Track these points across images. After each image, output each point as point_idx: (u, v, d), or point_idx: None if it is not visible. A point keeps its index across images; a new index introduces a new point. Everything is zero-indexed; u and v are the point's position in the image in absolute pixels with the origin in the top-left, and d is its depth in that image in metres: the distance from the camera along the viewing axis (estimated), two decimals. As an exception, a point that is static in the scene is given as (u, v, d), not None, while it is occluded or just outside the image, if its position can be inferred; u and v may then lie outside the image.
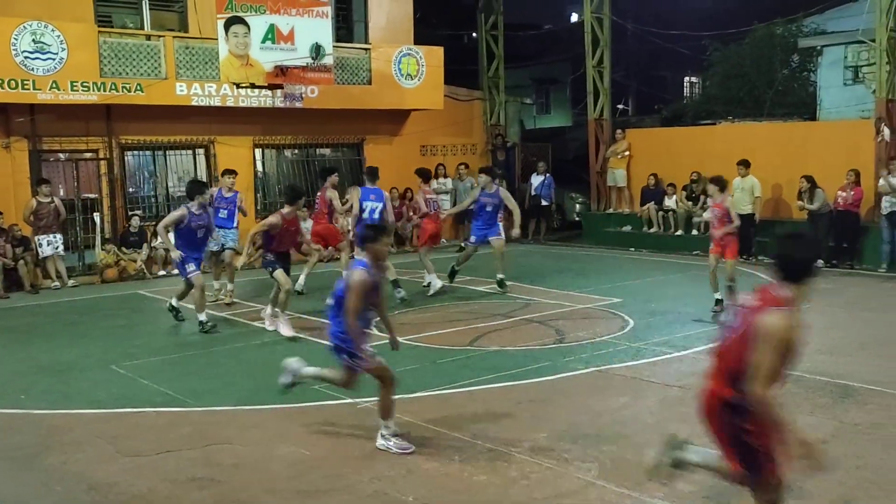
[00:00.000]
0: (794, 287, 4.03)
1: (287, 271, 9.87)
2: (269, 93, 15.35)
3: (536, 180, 19.22)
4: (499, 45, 20.33)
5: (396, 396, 5.98)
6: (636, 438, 6.06)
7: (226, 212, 12.08)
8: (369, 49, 17.35)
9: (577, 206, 20.73)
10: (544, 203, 19.30)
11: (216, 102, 15.24)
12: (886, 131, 14.03)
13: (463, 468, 5.57)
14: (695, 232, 16.56)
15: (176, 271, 11.28)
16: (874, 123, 14.29)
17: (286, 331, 9.57)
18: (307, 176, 17.97)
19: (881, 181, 13.50)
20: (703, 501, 4.93)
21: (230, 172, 12.70)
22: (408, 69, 17.57)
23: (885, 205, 13.30)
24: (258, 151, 17.13)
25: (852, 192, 13.79)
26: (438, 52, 18.12)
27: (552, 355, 8.55)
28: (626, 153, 18.54)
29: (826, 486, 5.08)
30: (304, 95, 15.80)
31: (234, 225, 12.28)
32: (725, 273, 10.58)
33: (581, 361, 8.25)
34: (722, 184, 10.78)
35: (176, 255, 10.09)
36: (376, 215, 11.33)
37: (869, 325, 9.79)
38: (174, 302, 10.59)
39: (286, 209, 9.99)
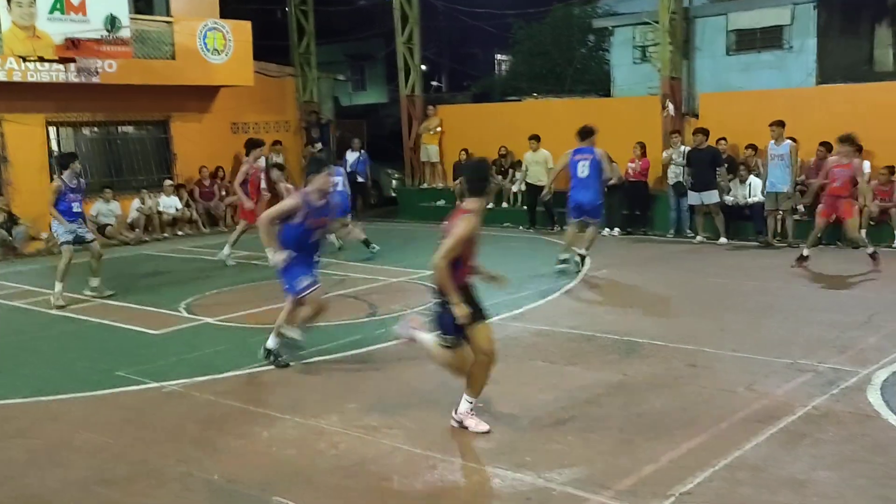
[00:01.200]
0: (476, 199, 5.82)
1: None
2: (60, 67, 14.42)
3: (352, 157, 19.26)
4: (309, 20, 20.11)
5: (205, 378, 5.91)
6: (442, 403, 6.31)
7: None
8: (171, 22, 16.67)
9: (394, 182, 20.97)
10: (360, 180, 19.37)
11: (1, 77, 14.16)
12: (671, 106, 15.17)
13: (271, 443, 5.61)
14: (505, 204, 17.23)
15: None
16: (660, 100, 15.41)
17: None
18: (108, 155, 17.14)
19: (664, 153, 14.61)
20: (501, 456, 5.22)
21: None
22: (214, 44, 17.04)
23: (671, 175, 14.40)
24: (52, 130, 16.09)
25: (640, 163, 14.84)
26: (246, 26, 17.69)
27: (365, 328, 8.71)
28: (439, 129, 18.94)
29: (610, 433, 5.55)
30: (100, 70, 14.94)
31: None
32: (848, 234, 11.48)
33: (393, 333, 8.44)
34: (856, 144, 11.16)
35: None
36: (585, 172, 11.28)
37: (654, 287, 10.61)
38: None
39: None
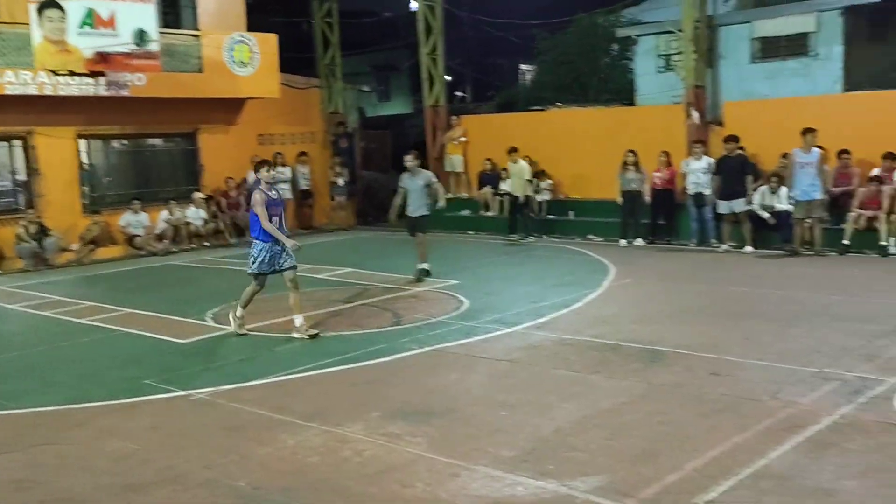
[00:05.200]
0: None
1: None
2: (91, 80, 14.67)
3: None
4: (334, 32, 20.28)
5: (231, 386, 5.95)
6: (465, 411, 6.35)
7: None
8: (199, 35, 16.90)
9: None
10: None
11: (32, 91, 14.43)
12: (695, 115, 15.11)
13: (296, 450, 5.66)
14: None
15: None
16: (685, 108, 15.35)
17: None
18: (137, 167, 17.38)
19: (682, 164, 14.49)
20: (523, 464, 5.23)
21: None
22: (241, 56, 17.24)
23: (690, 186, 14.29)
24: (83, 143, 16.35)
25: (666, 172, 14.78)
26: (272, 39, 17.88)
27: (389, 338, 8.75)
28: (463, 139, 19.01)
29: (633, 441, 5.54)
30: (129, 83, 15.20)
31: None
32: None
33: (416, 342, 8.49)
34: None
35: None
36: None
37: (678, 296, 10.55)
38: None
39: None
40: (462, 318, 9.55)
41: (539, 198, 17.04)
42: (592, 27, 22.79)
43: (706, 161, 14.10)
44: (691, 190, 14.26)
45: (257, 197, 8.69)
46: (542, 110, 19.71)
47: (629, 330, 8.61)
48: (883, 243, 12.43)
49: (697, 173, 14.12)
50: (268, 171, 8.94)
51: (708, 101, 15.77)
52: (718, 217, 14.04)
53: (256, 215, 8.69)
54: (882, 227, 12.45)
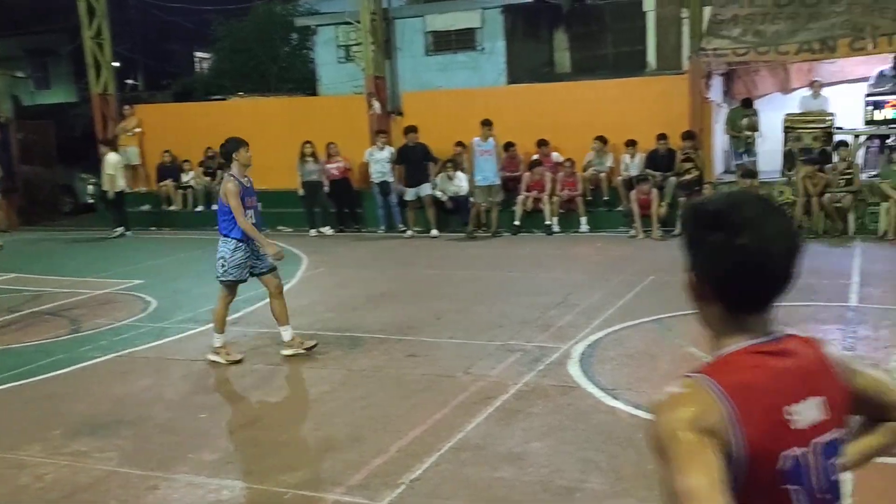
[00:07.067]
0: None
1: None
2: None
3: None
4: (-23, 10, 18.02)
5: None
6: (160, 418, 5.98)
7: None
8: None
9: (90, 187, 19.41)
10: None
11: None
12: (376, 105, 15.55)
13: (-39, 486, 4.96)
14: (215, 207, 16.65)
15: None
16: (366, 98, 15.73)
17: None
18: None
19: (366, 154, 14.80)
20: (227, 466, 5.04)
21: None
22: None
23: (375, 175, 14.66)
24: None
25: (340, 163, 14.99)
26: None
27: (68, 346, 7.99)
28: (137, 130, 17.85)
29: (338, 429, 5.57)
30: None
31: None
32: None
33: (100, 349, 7.84)
34: None
35: None
36: None
37: (371, 282, 10.81)
38: None
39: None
40: (151, 319, 9.00)
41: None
42: (270, 15, 22.53)
43: (389, 150, 14.57)
44: (376, 179, 14.62)
45: (230, 186, 7.03)
46: (223, 99, 19.14)
47: (326, 318, 8.65)
48: (548, 223, 13.71)
49: (382, 162, 14.53)
50: (247, 152, 7.22)
51: (388, 91, 16.30)
52: (403, 204, 14.59)
53: (228, 207, 7.01)
54: (546, 207, 13.72)
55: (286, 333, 7.23)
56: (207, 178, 16.83)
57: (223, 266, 7.08)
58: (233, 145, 7.22)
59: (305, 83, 20.74)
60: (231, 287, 7.17)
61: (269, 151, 16.43)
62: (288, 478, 4.82)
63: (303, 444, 5.33)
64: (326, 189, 15.02)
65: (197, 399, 6.36)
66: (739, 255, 1.58)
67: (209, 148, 16.69)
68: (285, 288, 7.38)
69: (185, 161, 17.18)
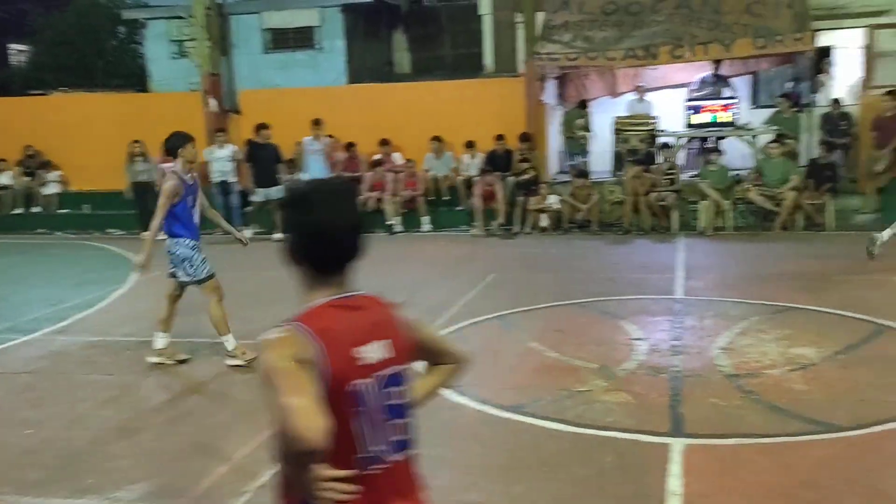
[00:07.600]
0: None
1: None
2: None
3: None
4: None
5: None
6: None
7: None
8: None
9: None
10: None
11: None
12: (213, 103, 15.08)
13: None
14: (35, 209, 15.65)
15: None
16: (202, 96, 15.22)
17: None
18: None
19: (205, 152, 14.28)
20: (57, 485, 4.74)
21: None
22: None
23: (215, 174, 14.12)
24: None
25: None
26: None
27: None
28: (-56, 126, 16.45)
29: (180, 438, 5.35)
30: None
31: None
32: None
33: None
34: None
35: None
36: None
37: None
38: None
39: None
40: (-35, 331, 8.31)
41: (46, 191, 15.58)
42: (93, 6, 21.39)
43: (230, 149, 14.12)
44: (216, 178, 14.05)
45: (169, 185, 6.53)
46: (44, 94, 17.98)
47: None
48: (390, 223, 13.75)
49: (223, 161, 14.04)
50: (193, 148, 6.80)
51: (225, 89, 15.84)
52: (246, 204, 14.17)
53: (177, 208, 6.60)
54: (388, 207, 13.76)
55: (230, 343, 6.89)
56: (27, 179, 15.76)
57: (191, 266, 6.75)
58: (178, 140, 6.78)
59: (135, 79, 19.84)
60: (181, 286, 6.93)
61: (98, 151, 15.66)
62: (126, 493, 4.58)
63: (142, 457, 5.08)
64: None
65: (22, 414, 5.94)
66: (314, 228, 2.13)
67: (29, 146, 15.68)
68: (117, 294, 7.03)
69: (2, 160, 16.00)
